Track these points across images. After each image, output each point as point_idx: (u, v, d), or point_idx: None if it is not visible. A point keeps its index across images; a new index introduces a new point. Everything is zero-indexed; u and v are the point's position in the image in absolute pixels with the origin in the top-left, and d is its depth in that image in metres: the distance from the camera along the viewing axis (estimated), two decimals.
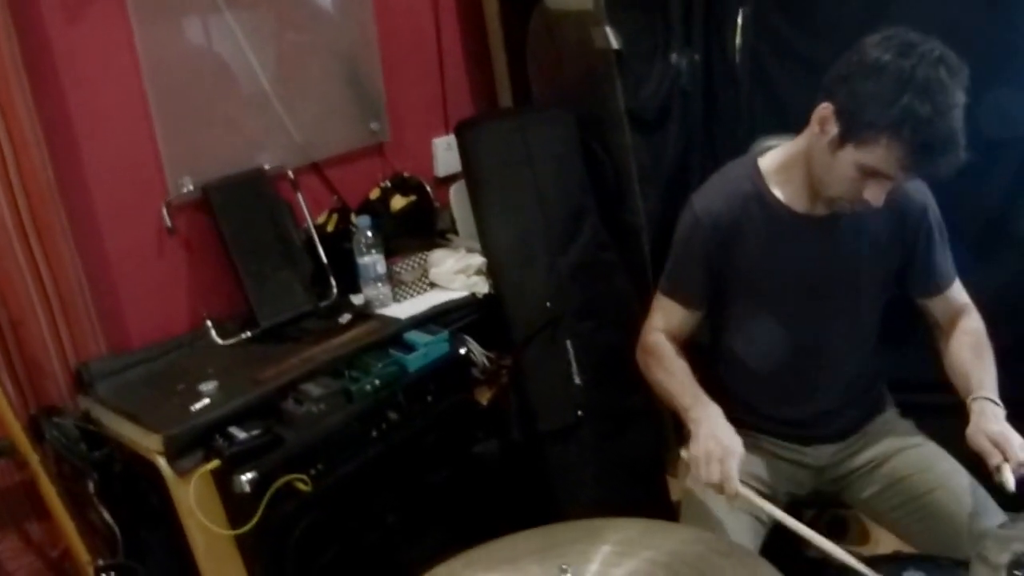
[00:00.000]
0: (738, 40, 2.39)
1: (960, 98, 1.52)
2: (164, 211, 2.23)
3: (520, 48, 2.63)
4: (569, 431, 2.41)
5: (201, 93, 2.27)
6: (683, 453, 1.69)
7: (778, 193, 1.80)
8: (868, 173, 1.59)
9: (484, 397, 2.42)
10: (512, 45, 2.65)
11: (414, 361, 2.22)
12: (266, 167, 2.38)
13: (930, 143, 1.51)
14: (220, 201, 2.27)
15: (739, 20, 2.37)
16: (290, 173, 2.42)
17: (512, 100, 2.74)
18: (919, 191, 1.83)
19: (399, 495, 2.26)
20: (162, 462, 1.88)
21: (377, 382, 2.15)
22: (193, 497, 1.87)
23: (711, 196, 1.86)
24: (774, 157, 1.84)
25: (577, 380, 2.41)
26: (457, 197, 2.54)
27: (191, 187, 2.26)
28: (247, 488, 1.91)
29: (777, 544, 2.14)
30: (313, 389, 2.06)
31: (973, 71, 1.58)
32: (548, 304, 2.39)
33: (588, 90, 2.47)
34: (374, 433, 2.18)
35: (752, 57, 2.39)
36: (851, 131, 1.58)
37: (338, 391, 2.09)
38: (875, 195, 1.62)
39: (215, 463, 1.89)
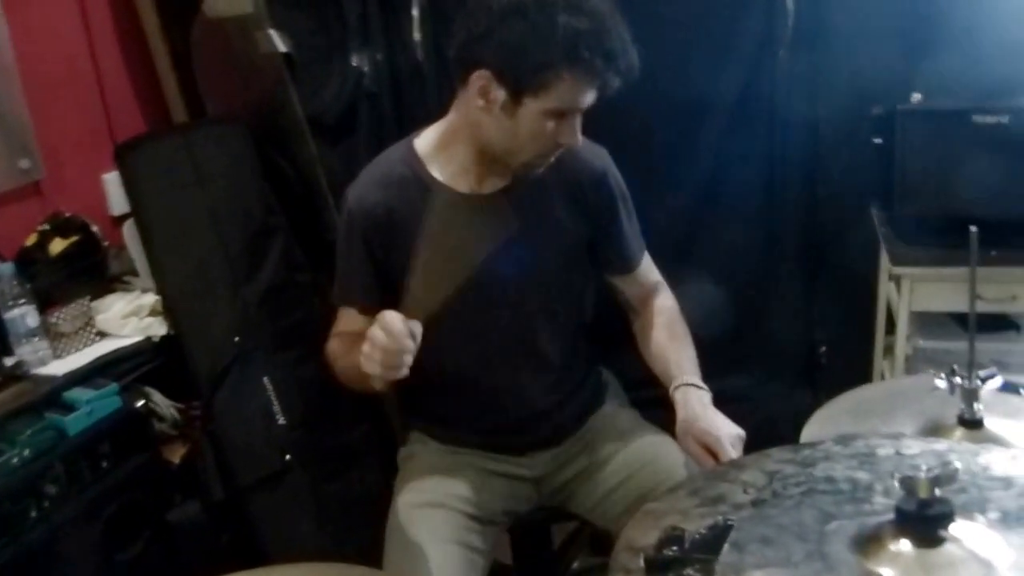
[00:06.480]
0: (417, 35, 2.26)
1: None
2: None
3: (190, 63, 2.39)
4: (276, 478, 2.14)
5: None
6: None
7: (438, 174, 1.65)
8: (557, 116, 1.48)
9: (177, 455, 2.14)
10: (180, 61, 2.40)
11: (75, 423, 1.91)
12: None
13: (608, 50, 1.44)
14: None
15: (415, 13, 2.24)
16: None
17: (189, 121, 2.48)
18: (597, 156, 1.72)
19: None
20: None
21: (27, 453, 1.82)
22: None
23: (364, 186, 1.69)
24: (429, 137, 1.68)
25: (281, 420, 2.15)
26: (132, 235, 2.25)
27: None
28: None
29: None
30: None
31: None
32: (236, 339, 2.12)
33: (263, 100, 2.25)
34: (33, 513, 1.85)
35: (435, 50, 2.27)
36: (523, 82, 1.46)
37: None
38: (571, 135, 1.53)
39: None
